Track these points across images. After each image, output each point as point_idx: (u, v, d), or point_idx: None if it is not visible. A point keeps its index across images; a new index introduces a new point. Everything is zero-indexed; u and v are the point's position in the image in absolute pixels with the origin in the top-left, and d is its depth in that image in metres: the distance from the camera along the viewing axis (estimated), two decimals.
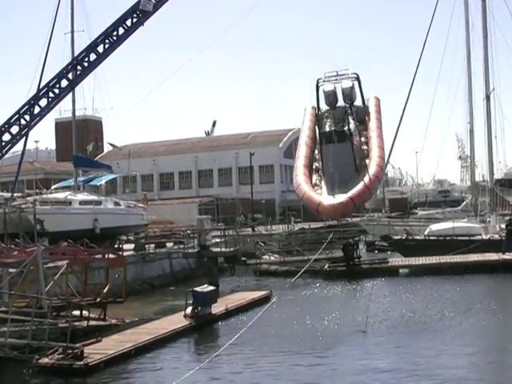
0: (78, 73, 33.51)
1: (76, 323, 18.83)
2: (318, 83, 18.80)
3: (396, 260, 36.09)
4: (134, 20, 33.05)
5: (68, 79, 33.44)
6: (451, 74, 44.26)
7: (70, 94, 36.29)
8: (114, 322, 21.42)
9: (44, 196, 36.11)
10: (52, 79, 32.98)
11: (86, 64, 33.27)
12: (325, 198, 16.43)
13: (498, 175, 49.43)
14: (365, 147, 18.63)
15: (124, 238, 40.21)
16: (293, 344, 18.27)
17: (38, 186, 41.49)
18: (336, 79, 18.99)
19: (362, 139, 19.07)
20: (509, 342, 18.66)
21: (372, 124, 19.39)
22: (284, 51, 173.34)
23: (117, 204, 40.02)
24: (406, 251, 37.25)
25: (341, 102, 19.65)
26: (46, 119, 35.39)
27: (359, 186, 16.33)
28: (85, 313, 20.19)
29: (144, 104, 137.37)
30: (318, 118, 19.92)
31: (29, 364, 15.79)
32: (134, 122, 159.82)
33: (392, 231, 41.30)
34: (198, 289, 21.80)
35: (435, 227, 40.04)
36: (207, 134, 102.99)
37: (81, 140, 49.13)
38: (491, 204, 41.09)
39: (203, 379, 15.33)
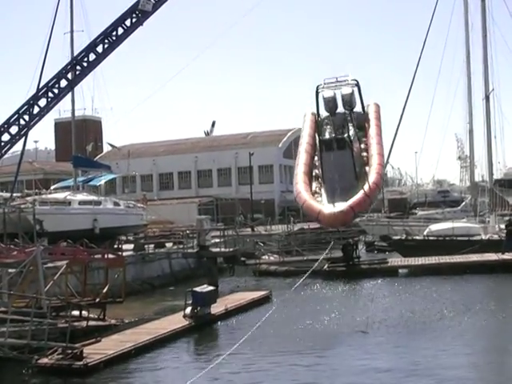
0: (78, 73, 33.55)
1: (75, 323, 18.83)
2: (317, 89, 18.79)
3: (395, 260, 36.09)
4: (134, 20, 33.08)
5: (67, 79, 33.47)
6: (451, 74, 44.31)
7: (70, 94, 36.32)
8: (113, 322, 21.41)
9: (43, 196, 36.13)
10: (51, 79, 33.00)
11: (85, 64, 33.30)
12: (325, 206, 16.39)
13: (497, 175, 49.52)
14: (364, 154, 18.62)
15: (123, 238, 40.18)
16: (292, 344, 18.26)
17: (38, 186, 41.46)
18: (336, 85, 18.97)
19: (362, 146, 19.06)
20: (508, 342, 18.64)
21: (372, 131, 19.38)
22: (284, 51, 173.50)
23: (116, 204, 40.02)
24: (405, 251, 37.25)
25: (340, 109, 19.64)
26: (46, 119, 35.47)
27: (359, 194, 16.29)
28: (84, 313, 20.15)
29: (143, 104, 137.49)
30: (318, 125, 19.90)
31: (28, 364, 15.77)
32: (133, 122, 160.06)
33: (391, 231, 41.33)
34: (197, 289, 21.79)
35: (435, 227, 40.04)
36: (207, 134, 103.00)
37: (80, 140, 49.13)
38: (490, 204, 41.10)
39: (203, 378, 15.32)
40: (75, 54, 35.45)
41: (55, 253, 22.95)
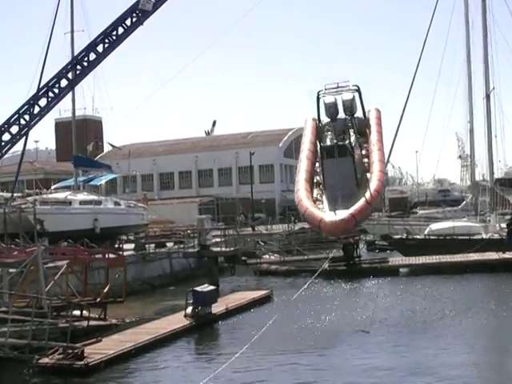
0: (78, 72, 33.53)
1: (76, 323, 18.83)
2: (318, 95, 18.77)
3: (396, 259, 36.10)
4: (134, 19, 33.06)
5: (68, 79, 33.45)
6: (451, 74, 44.32)
7: (70, 93, 36.31)
8: (114, 321, 21.43)
9: (44, 196, 36.13)
10: (52, 79, 32.99)
11: (85, 64, 33.28)
12: (326, 214, 16.34)
13: (498, 174, 49.54)
14: (366, 160, 18.60)
15: (124, 237, 40.20)
16: (293, 343, 18.27)
17: (38, 186, 41.52)
18: (337, 91, 18.95)
19: (363, 152, 19.03)
20: (509, 342, 18.64)
21: (373, 137, 19.36)
22: (284, 51, 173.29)
23: (117, 204, 40.02)
24: (406, 250, 37.25)
25: (341, 114, 19.62)
26: (46, 119, 35.46)
27: (361, 202, 16.25)
28: (85, 313, 20.18)
29: (144, 104, 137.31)
30: (319, 131, 19.89)
31: (29, 364, 15.78)
32: (133, 121, 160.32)
33: (392, 230, 41.33)
34: (198, 288, 21.79)
35: (435, 226, 40.03)
36: (207, 133, 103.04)
37: (81, 140, 49.18)
38: (491, 203, 41.08)
39: (204, 377, 15.34)
40: (75, 54, 35.45)
41: (56, 253, 22.96)
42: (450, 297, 25.20)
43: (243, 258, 35.93)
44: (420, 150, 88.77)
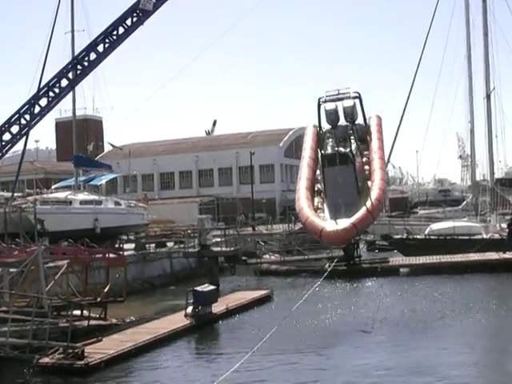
0: (78, 72, 33.55)
1: (76, 323, 18.83)
2: (319, 102, 18.77)
3: (396, 259, 36.10)
4: (134, 19, 33.08)
5: (68, 79, 33.47)
6: (451, 74, 44.42)
7: (71, 93, 36.34)
8: (114, 321, 21.43)
9: (44, 196, 36.15)
10: (52, 79, 33.01)
11: (86, 63, 33.31)
12: (327, 223, 16.30)
13: (498, 174, 49.49)
14: (366, 167, 18.59)
15: (124, 237, 40.21)
16: (294, 343, 18.27)
17: (39, 186, 41.55)
18: (337, 98, 18.94)
19: (364, 159, 19.02)
20: (509, 341, 18.64)
21: (374, 145, 19.36)
22: (284, 51, 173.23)
23: (117, 204, 40.03)
24: (406, 250, 37.25)
25: (342, 121, 19.61)
26: (47, 119, 35.52)
27: (362, 211, 16.20)
28: (85, 312, 20.18)
29: (144, 104, 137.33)
30: (320, 138, 19.89)
31: (29, 364, 15.78)
32: (134, 121, 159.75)
33: (392, 230, 41.31)
34: (198, 288, 21.80)
35: (436, 226, 40.03)
36: (207, 133, 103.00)
37: (81, 140, 49.21)
38: (492, 203, 41.08)
39: (203, 378, 15.35)
40: (76, 54, 35.48)
41: (56, 252, 22.97)
42: (450, 297, 25.20)
43: (243, 257, 35.94)
44: (420, 149, 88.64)
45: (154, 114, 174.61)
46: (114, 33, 33.01)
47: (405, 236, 39.34)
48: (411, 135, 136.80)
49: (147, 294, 29.56)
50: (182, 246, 35.55)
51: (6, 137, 31.99)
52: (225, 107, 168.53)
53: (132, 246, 35.65)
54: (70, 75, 33.50)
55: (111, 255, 25.00)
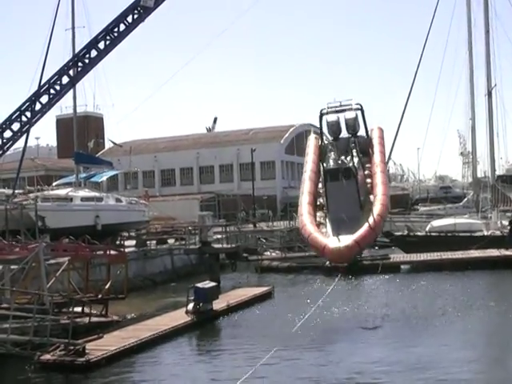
0: (79, 69, 33.58)
1: (78, 319, 18.87)
2: (321, 114, 18.70)
3: (397, 256, 36.04)
4: (135, 16, 33.10)
5: (69, 76, 33.50)
6: (453, 71, 44.40)
7: (71, 90, 36.32)
8: (115, 318, 21.46)
9: (45, 193, 36.13)
10: (53, 76, 33.03)
11: (86, 60, 33.33)
12: (330, 240, 16.23)
13: (499, 171, 49.57)
14: (368, 180, 18.54)
15: (125, 234, 40.23)
16: (295, 339, 18.28)
17: (40, 183, 41.50)
18: (339, 110, 18.87)
19: (366, 172, 18.96)
20: (510, 338, 18.66)
21: (376, 158, 19.31)
22: (284, 51, 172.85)
23: (118, 200, 40.03)
24: (407, 247, 37.20)
25: (344, 133, 19.53)
26: (47, 116, 35.52)
27: (364, 228, 16.17)
28: (86, 309, 20.21)
29: (144, 103, 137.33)
30: (322, 150, 19.86)
31: (31, 360, 15.79)
32: (135, 119, 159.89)
33: (393, 227, 41.21)
34: (199, 285, 21.82)
35: (436, 223, 40.02)
36: (208, 130, 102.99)
37: (82, 137, 49.17)
38: (493, 200, 41.09)
39: (204, 375, 15.38)
40: (77, 51, 35.46)
41: (57, 249, 22.98)
42: (451, 294, 25.22)
43: (244, 254, 35.95)
44: (422, 146, 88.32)
45: (154, 111, 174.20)
46: (115, 30, 33.02)
47: (406, 233, 39.27)
48: (412, 132, 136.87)
49: (148, 290, 29.59)
50: (183, 242, 35.60)
51: (7, 134, 32.04)
52: (225, 106, 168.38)
53: (133, 242, 35.66)
54: (71, 72, 33.53)
55: (112, 252, 24.98)
